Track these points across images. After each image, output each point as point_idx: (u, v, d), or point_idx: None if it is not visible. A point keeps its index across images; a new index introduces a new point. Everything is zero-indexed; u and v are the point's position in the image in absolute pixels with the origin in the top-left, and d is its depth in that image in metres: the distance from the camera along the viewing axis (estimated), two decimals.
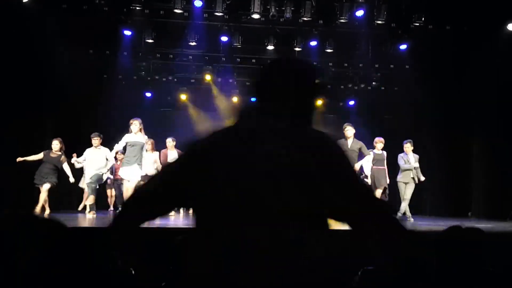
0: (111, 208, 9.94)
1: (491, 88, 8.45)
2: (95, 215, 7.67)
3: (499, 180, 8.29)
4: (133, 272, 2.29)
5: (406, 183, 8.04)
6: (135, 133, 6.72)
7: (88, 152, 7.97)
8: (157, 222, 6.18)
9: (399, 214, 7.98)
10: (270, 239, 1.04)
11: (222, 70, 11.37)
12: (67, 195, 9.69)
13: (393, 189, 8.67)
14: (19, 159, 7.44)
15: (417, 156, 8.12)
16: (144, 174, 8.28)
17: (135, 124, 6.71)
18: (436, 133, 9.31)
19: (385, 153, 8.22)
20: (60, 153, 7.81)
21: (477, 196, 8.55)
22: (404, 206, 7.97)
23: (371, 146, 8.36)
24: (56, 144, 7.79)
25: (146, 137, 6.78)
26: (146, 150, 8.43)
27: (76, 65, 9.09)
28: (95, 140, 7.93)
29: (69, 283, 0.57)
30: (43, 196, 7.60)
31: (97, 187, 8.08)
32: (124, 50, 10.18)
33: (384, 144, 8.55)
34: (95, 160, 7.79)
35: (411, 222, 7.48)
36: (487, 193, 8.39)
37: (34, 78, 8.52)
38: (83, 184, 8.34)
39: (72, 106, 9.40)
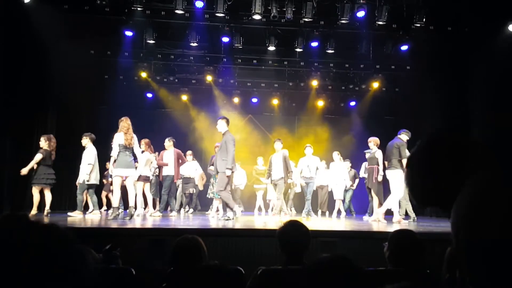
0: (105, 208, 10.09)
1: (492, 89, 8.43)
2: (81, 215, 7.58)
3: None
4: (133, 272, 2.29)
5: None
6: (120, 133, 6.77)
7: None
8: (157, 223, 6.19)
9: (400, 214, 8.01)
10: None
11: (223, 71, 11.38)
12: (67, 195, 9.69)
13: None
14: (23, 172, 7.47)
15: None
16: (138, 175, 8.29)
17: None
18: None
19: (378, 152, 8.19)
20: (49, 149, 7.79)
21: None
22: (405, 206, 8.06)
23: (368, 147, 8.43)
24: (44, 141, 7.85)
25: (120, 135, 6.69)
26: (143, 151, 8.41)
27: (77, 66, 9.11)
28: (83, 140, 7.96)
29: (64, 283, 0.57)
30: (36, 197, 7.59)
31: (88, 187, 8.01)
32: (125, 50, 10.21)
33: (383, 144, 8.57)
34: (83, 159, 7.85)
35: (413, 223, 7.48)
36: None
37: (34, 79, 8.54)
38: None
39: (73, 106, 9.42)
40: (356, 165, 10.29)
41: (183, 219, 7.66)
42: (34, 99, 8.61)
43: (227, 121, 7.03)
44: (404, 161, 7.11)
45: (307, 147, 9.57)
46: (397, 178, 7.13)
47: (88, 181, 7.77)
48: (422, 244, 2.32)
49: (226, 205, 7.03)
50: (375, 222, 7.53)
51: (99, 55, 10.07)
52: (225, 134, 6.93)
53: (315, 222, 7.10)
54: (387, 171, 7.40)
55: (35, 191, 7.54)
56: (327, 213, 10.14)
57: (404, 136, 7.41)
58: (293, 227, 2.40)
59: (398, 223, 7.01)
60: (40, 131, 8.19)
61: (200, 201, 11.15)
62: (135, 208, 7.14)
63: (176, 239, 2.38)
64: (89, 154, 7.82)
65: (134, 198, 6.95)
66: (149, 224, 6.03)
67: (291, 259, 2.29)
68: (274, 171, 8.41)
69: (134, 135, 6.85)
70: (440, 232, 5.22)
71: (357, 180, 10.15)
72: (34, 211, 7.49)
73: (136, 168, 7.38)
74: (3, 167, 7.83)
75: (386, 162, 7.51)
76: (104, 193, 10.21)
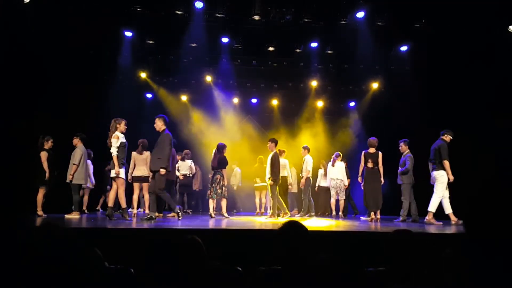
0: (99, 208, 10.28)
1: (492, 89, 8.45)
2: (78, 216, 7.59)
3: (500, 181, 8.26)
4: (133, 272, 2.29)
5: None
6: None
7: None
8: (157, 223, 6.19)
9: (404, 215, 8.08)
10: None
11: (223, 71, 11.39)
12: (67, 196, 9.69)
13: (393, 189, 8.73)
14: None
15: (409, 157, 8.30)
16: (135, 175, 8.29)
17: None
18: (436, 133, 9.29)
19: (362, 153, 8.32)
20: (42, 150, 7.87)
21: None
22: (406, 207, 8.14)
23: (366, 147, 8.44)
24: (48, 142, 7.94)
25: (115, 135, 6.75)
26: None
27: (76, 66, 9.11)
28: (74, 140, 8.06)
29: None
30: (38, 197, 7.72)
31: (80, 188, 8.07)
32: (124, 51, 10.21)
33: (384, 145, 8.62)
34: (70, 159, 7.95)
35: (413, 223, 7.50)
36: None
37: (34, 79, 8.53)
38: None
39: (72, 106, 9.42)
40: (355, 165, 10.30)
41: (182, 219, 7.66)
42: (33, 99, 8.60)
43: (165, 120, 6.99)
44: (445, 163, 7.22)
45: (302, 148, 9.70)
46: (441, 179, 7.24)
47: (71, 181, 7.79)
48: (420, 244, 2.33)
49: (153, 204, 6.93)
50: (370, 222, 7.60)
51: (99, 55, 10.06)
52: (162, 133, 6.90)
53: (314, 222, 7.10)
54: (434, 172, 7.41)
55: (41, 192, 7.67)
56: (327, 213, 10.15)
57: (447, 137, 7.50)
58: (292, 227, 2.40)
59: (430, 223, 7.02)
60: (40, 131, 8.20)
61: (202, 202, 11.18)
62: (129, 208, 7.10)
63: (175, 239, 2.39)
64: (75, 155, 7.86)
65: (118, 198, 6.96)
66: (148, 224, 6.03)
67: (290, 259, 2.29)
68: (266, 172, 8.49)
69: (118, 135, 6.81)
70: (438, 233, 5.23)
71: (348, 180, 10.10)
72: (40, 212, 7.57)
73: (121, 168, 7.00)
74: (3, 167, 7.83)
75: (430, 164, 7.56)
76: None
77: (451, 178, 7.20)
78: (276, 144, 8.58)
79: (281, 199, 8.66)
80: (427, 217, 7.25)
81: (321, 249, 4.07)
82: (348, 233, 5.15)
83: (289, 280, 2.15)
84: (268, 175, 8.36)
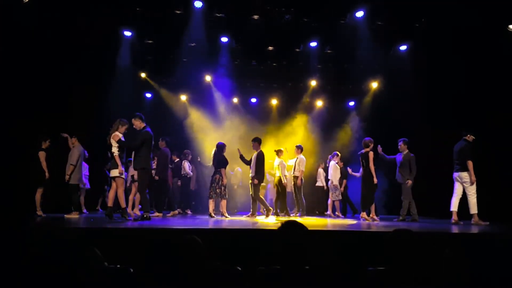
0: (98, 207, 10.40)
1: (491, 89, 8.45)
2: (77, 216, 7.62)
3: (500, 180, 8.27)
4: (132, 272, 2.29)
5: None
6: None
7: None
8: (156, 223, 6.19)
9: (403, 214, 8.09)
10: None
11: (222, 71, 11.39)
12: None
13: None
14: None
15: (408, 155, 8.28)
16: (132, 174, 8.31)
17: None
18: (435, 133, 9.31)
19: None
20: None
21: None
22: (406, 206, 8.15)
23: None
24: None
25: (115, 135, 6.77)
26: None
27: (76, 65, 9.10)
28: (72, 139, 8.16)
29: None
30: (36, 197, 7.80)
31: (78, 188, 8.11)
32: (124, 50, 10.20)
33: (383, 145, 8.62)
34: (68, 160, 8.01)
35: (413, 222, 7.50)
36: (485, 193, 8.35)
37: (32, 79, 8.52)
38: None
39: (72, 106, 9.41)
40: (355, 165, 10.31)
41: (182, 219, 7.66)
42: (32, 100, 8.60)
43: (141, 118, 6.98)
44: (469, 163, 7.27)
45: (296, 147, 9.70)
46: (468, 180, 7.27)
47: (68, 181, 7.82)
48: (420, 244, 2.33)
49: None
50: (368, 221, 7.60)
51: (98, 55, 10.05)
52: (141, 131, 6.88)
53: (313, 222, 7.10)
54: (459, 173, 7.38)
55: (39, 192, 7.70)
56: (327, 213, 10.15)
57: (470, 137, 7.57)
58: (292, 227, 2.40)
59: (478, 224, 6.98)
60: (40, 131, 8.20)
61: (201, 202, 11.16)
62: (122, 209, 7.05)
63: (175, 239, 2.38)
64: (73, 155, 7.89)
65: (117, 198, 6.99)
66: (148, 224, 6.02)
67: (290, 259, 2.29)
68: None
69: (116, 135, 6.81)
70: (438, 233, 5.23)
71: (344, 181, 10.07)
72: (39, 212, 7.60)
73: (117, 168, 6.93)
74: (3, 167, 7.83)
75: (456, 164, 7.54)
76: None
77: (473, 178, 7.21)
78: (260, 143, 8.56)
79: (262, 199, 8.61)
80: (473, 220, 7.18)
81: (321, 249, 4.07)
82: (348, 232, 5.15)
83: (289, 280, 2.15)
84: (252, 174, 8.33)
